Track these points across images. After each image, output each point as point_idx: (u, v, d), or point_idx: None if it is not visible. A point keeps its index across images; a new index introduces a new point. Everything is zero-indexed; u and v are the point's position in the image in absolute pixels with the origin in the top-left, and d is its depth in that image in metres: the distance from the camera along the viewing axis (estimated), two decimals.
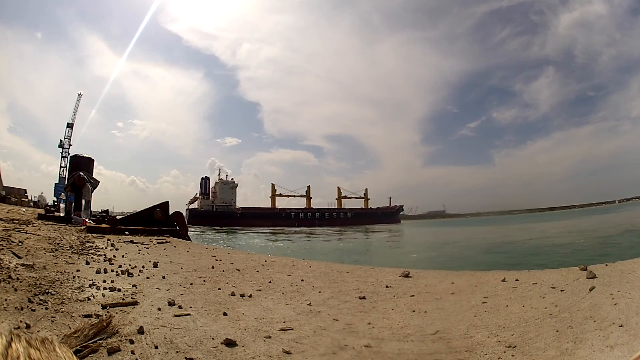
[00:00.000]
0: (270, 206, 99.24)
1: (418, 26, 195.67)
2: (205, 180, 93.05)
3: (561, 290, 4.68)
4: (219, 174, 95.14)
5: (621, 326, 3.14)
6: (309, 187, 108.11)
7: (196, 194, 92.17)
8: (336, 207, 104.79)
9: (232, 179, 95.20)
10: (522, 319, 3.73)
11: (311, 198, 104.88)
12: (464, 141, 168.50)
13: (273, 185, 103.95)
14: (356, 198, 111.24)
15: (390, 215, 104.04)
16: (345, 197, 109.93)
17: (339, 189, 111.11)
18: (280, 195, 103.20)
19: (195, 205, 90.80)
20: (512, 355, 2.87)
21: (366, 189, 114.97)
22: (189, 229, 17.15)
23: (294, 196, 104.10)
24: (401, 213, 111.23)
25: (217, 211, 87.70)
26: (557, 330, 3.28)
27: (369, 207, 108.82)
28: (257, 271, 7.10)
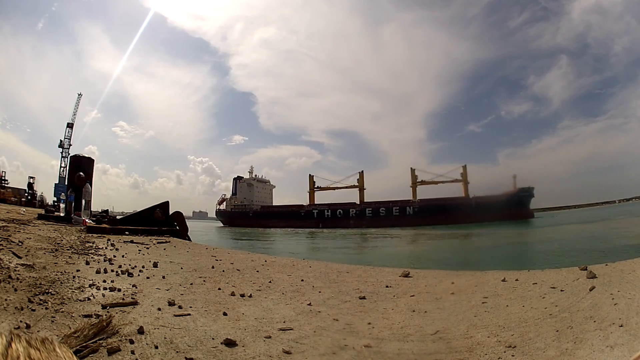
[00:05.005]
0: (309, 202, 79.85)
1: (427, 4, 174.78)
2: (236, 181, 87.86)
3: (561, 290, 4.68)
4: (252, 173, 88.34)
5: (621, 326, 3.14)
6: (361, 173, 76.86)
7: (223, 195, 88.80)
8: (411, 197, 72.06)
9: (256, 175, 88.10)
10: (522, 319, 3.73)
11: (365, 189, 75.82)
12: (471, 138, 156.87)
13: (311, 177, 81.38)
14: (446, 182, 72.76)
15: (503, 204, 59.26)
16: (422, 182, 73.44)
17: (412, 170, 74.09)
18: (319, 188, 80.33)
19: (223, 206, 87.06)
20: (512, 355, 2.87)
21: (464, 167, 72.26)
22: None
23: (339, 188, 79.40)
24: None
25: (233, 211, 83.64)
26: (557, 330, 3.28)
27: (468, 194, 69.55)
28: (257, 271, 7.10)
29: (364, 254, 21.59)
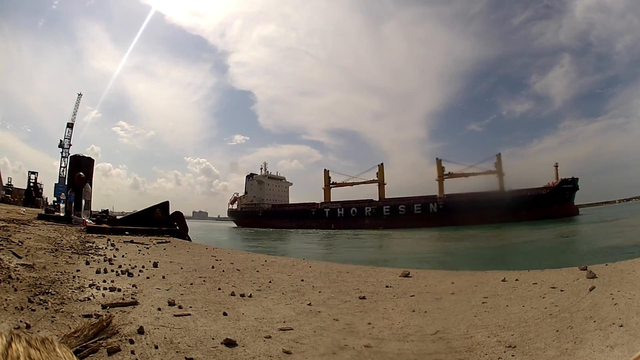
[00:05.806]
0: (324, 199, 73.28)
1: (429, 1, 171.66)
2: (248, 178, 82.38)
3: (561, 290, 4.68)
4: (263, 170, 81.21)
5: (621, 326, 3.14)
6: (380, 166, 70.15)
7: (236, 194, 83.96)
8: (438, 193, 63.01)
9: (268, 172, 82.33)
10: (522, 319, 3.73)
11: (385, 184, 69.05)
12: (472, 137, 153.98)
13: (327, 172, 74.57)
14: (478, 174, 63.05)
15: (544, 200, 52.62)
16: (450, 175, 64.75)
17: (438, 161, 65.75)
18: (335, 184, 73.12)
19: (235, 205, 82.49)
20: (512, 355, 2.87)
21: (498, 156, 62.97)
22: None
23: (356, 183, 72.66)
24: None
25: (243, 210, 79.04)
26: (557, 330, 3.28)
27: (503, 188, 60.53)
28: (257, 271, 7.10)
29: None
